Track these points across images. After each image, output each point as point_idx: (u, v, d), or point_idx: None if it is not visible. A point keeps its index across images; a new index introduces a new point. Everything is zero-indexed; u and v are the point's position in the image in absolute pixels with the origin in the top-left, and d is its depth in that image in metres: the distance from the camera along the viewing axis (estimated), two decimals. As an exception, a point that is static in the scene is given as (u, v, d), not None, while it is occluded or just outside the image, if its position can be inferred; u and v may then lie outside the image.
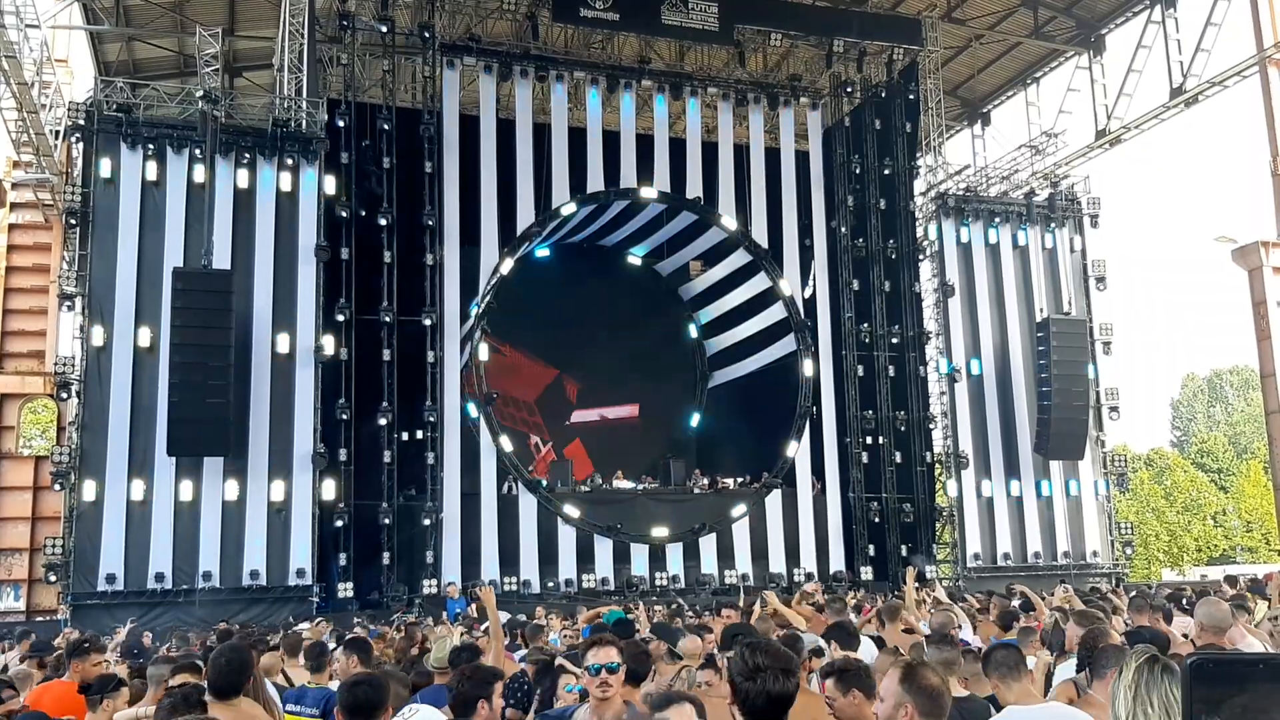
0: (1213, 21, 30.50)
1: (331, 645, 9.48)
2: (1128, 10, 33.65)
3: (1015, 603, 13.35)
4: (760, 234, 32.30)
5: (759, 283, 33.03)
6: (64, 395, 25.51)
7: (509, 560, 27.80)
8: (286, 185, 26.47)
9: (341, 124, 27.68)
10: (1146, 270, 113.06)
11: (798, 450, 31.65)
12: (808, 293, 33.06)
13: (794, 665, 3.52)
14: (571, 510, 28.91)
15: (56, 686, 7.18)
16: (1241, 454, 65.84)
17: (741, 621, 10.13)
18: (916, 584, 14.03)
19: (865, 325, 32.56)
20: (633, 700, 4.95)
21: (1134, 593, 13.57)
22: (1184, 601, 11.95)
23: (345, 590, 25.87)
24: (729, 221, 32.14)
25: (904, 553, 31.35)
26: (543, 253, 33.38)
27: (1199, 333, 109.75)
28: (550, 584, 27.92)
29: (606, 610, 13.11)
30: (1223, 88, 30.85)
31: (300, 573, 25.12)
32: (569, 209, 30.72)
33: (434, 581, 26.17)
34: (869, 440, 32.09)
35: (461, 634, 12.02)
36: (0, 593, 28.14)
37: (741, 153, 32.36)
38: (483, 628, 11.84)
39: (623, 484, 31.25)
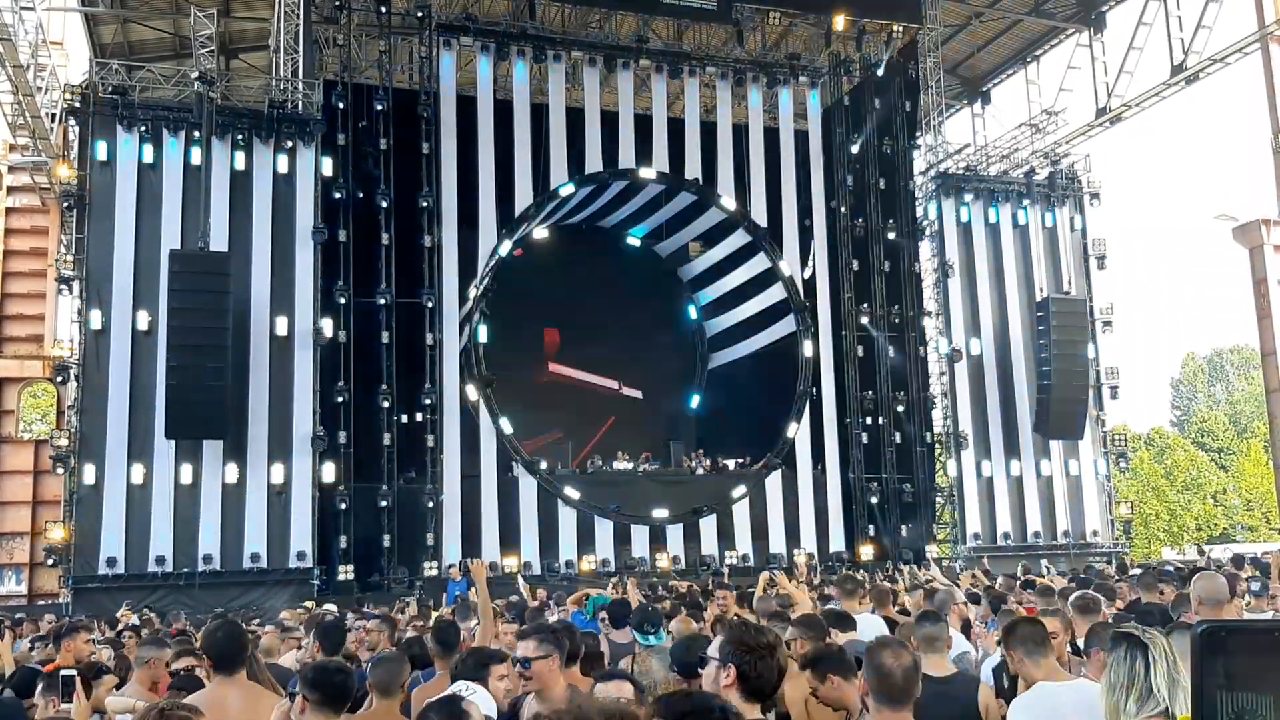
0: (1214, -2, 30.30)
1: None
2: (1128, -13, 33.43)
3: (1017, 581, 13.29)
4: (759, 214, 32.19)
5: (758, 263, 32.94)
6: (63, 379, 25.48)
7: (509, 542, 27.82)
8: (283, 167, 26.41)
9: (338, 105, 27.54)
10: (1147, 249, 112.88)
11: (798, 431, 31.64)
12: (807, 273, 32.96)
13: (780, 645, 3.53)
14: (571, 492, 28.93)
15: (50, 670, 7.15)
16: (1242, 433, 65.80)
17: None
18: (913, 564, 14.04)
19: (865, 305, 32.47)
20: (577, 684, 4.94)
21: (1142, 570, 13.52)
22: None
23: (346, 573, 25.90)
24: (728, 202, 32.03)
25: (903, 533, 31.36)
26: (541, 234, 33.28)
27: (1199, 311, 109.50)
28: (551, 565, 27.96)
29: (596, 593, 12.94)
30: (1224, 65, 30.65)
31: (301, 555, 25.17)
32: (567, 190, 30.62)
33: (434, 564, 26.22)
34: (869, 421, 32.06)
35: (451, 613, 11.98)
36: (1, 577, 28.14)
37: (740, 133, 32.21)
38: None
39: (622, 465, 31.25)
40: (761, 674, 3.40)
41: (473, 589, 19.72)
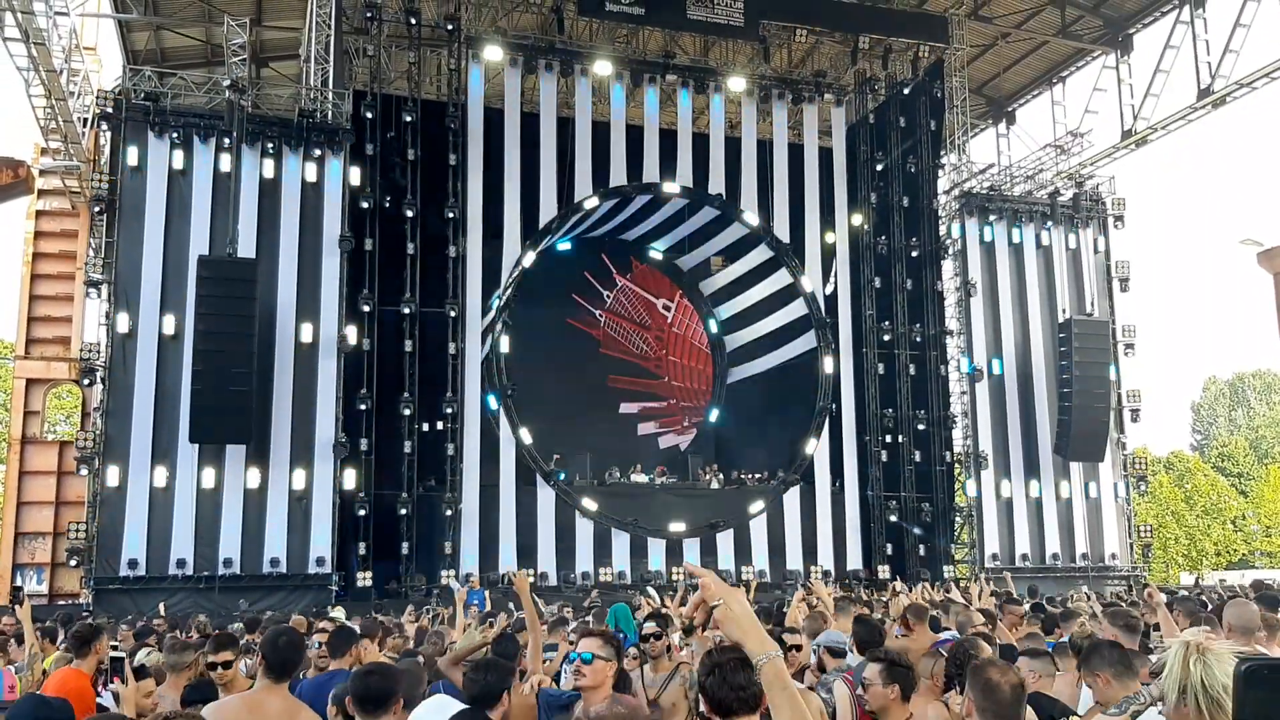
0: (1241, 23, 30.22)
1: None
2: (1156, 10, 33.36)
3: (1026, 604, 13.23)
4: (782, 230, 32.23)
5: (780, 279, 32.95)
6: (89, 381, 25.72)
7: (527, 552, 27.85)
8: (312, 176, 26.66)
9: (367, 116, 27.75)
10: (1170, 272, 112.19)
11: (817, 447, 31.59)
12: (829, 290, 32.97)
13: (750, 661, 3.52)
14: (589, 503, 28.97)
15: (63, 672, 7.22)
16: (1262, 458, 65.33)
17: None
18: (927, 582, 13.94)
19: (886, 323, 32.43)
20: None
21: (1180, 596, 13.33)
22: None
23: (364, 580, 26.01)
24: (751, 217, 32.07)
25: (920, 551, 31.27)
26: (564, 246, 33.41)
27: (1222, 335, 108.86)
28: (567, 577, 27.99)
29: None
30: (1251, 89, 30.55)
31: (320, 561, 25.30)
32: (591, 203, 30.73)
33: (452, 572, 26.28)
34: (888, 439, 32.00)
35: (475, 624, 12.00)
36: (24, 577, 28.36)
37: (764, 148, 32.29)
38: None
39: (640, 478, 31.26)
40: (713, 691, 3.20)
41: (484, 600, 19.80)
